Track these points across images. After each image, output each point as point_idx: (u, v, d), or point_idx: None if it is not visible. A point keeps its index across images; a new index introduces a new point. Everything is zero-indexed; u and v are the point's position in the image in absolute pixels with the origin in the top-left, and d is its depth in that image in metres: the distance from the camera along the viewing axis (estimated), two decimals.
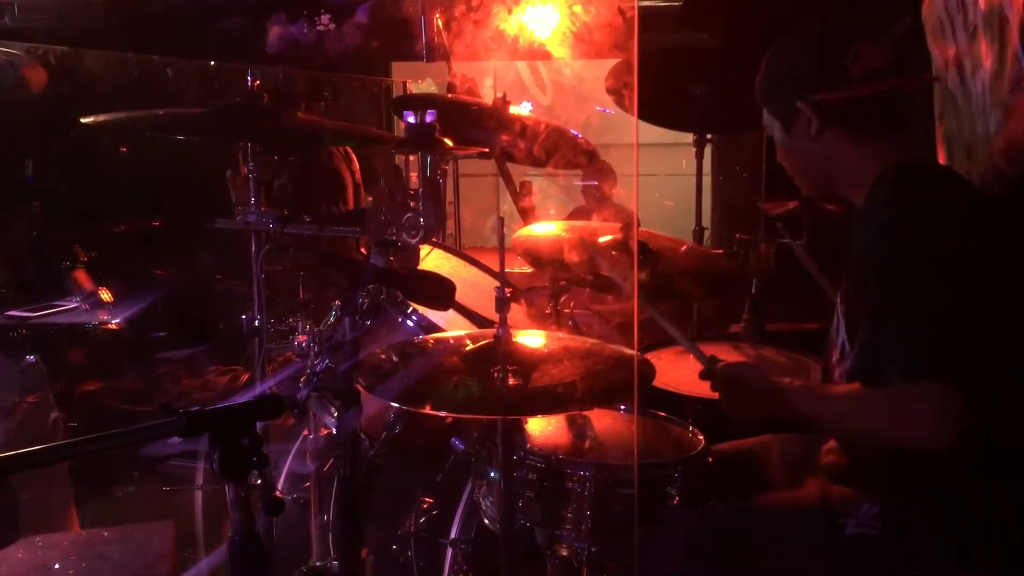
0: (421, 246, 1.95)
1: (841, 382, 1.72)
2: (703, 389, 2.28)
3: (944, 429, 1.45)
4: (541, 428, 2.04)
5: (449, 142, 2.06)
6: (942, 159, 2.32)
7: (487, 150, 2.93)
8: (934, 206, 1.62)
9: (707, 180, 4.28)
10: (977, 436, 1.46)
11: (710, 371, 1.88)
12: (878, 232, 1.61)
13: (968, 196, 1.71)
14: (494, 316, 1.78)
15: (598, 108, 4.16)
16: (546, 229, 2.69)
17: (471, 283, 2.60)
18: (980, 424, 1.46)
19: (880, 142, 1.72)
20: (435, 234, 2.16)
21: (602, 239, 2.48)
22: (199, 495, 2.72)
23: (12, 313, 3.44)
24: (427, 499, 2.34)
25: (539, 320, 2.51)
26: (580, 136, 3.20)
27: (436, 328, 2.21)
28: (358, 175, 4.16)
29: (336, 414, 1.75)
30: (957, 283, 1.53)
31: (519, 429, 1.95)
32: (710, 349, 2.59)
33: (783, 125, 1.80)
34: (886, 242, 1.59)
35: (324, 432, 2.29)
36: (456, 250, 2.83)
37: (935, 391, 1.46)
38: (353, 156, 4.14)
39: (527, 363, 1.75)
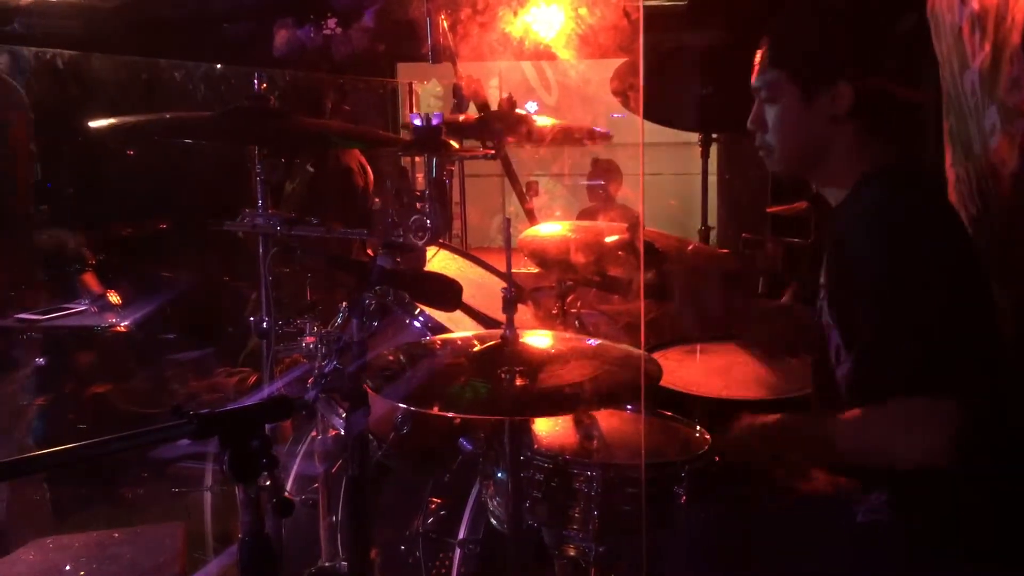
0: (428, 247, 1.95)
1: (841, 385, 1.70)
2: (710, 389, 2.30)
3: (947, 444, 1.45)
4: (548, 428, 2.04)
5: (455, 143, 2.07)
6: (948, 157, 2.32)
7: (492, 152, 2.93)
8: (929, 214, 1.61)
9: (713, 179, 4.27)
10: (979, 433, 1.46)
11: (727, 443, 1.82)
12: (874, 239, 1.59)
13: (946, 200, 1.72)
14: (501, 317, 1.78)
15: (613, 115, 4.15)
16: (552, 229, 2.70)
17: (478, 284, 2.61)
18: (982, 429, 1.46)
19: (883, 144, 1.70)
20: (442, 235, 2.17)
21: (608, 239, 2.49)
22: (209, 496, 2.73)
23: (21, 316, 3.46)
24: (435, 499, 2.35)
25: (546, 320, 2.51)
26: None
27: (443, 329, 2.21)
28: (371, 185, 4.14)
29: (344, 415, 1.75)
30: (955, 293, 1.53)
31: (526, 430, 1.95)
32: (716, 348, 2.61)
33: (805, 94, 1.69)
34: (885, 251, 1.57)
35: (332, 433, 2.29)
36: (462, 251, 2.83)
37: (938, 407, 1.46)
38: (368, 168, 4.12)
39: (534, 364, 1.75)
